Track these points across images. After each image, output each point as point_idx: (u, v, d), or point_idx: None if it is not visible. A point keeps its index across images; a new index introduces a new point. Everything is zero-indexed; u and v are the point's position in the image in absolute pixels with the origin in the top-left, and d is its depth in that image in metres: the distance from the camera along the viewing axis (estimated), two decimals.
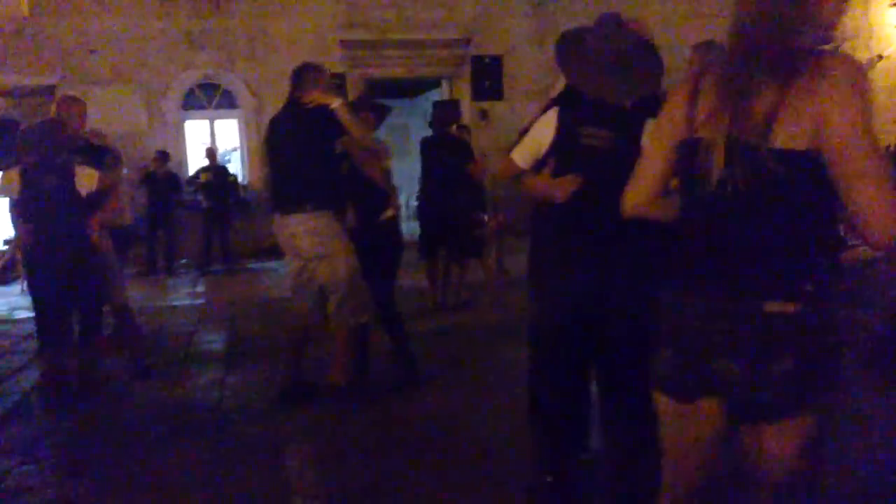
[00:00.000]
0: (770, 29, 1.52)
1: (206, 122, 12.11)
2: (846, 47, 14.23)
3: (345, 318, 4.06)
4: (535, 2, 12.61)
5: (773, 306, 1.51)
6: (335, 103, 3.91)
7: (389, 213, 4.36)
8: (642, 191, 1.78)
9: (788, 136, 1.46)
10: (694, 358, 1.62)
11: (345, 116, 3.89)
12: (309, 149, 4.02)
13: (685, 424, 1.70)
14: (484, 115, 12.44)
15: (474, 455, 3.42)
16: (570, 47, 2.65)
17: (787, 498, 1.64)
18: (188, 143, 12.02)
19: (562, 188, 2.57)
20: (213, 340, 6.26)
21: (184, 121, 11.89)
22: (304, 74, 4.13)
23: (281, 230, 4.12)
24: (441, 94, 12.99)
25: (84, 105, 4.91)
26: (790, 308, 1.50)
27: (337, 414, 4.01)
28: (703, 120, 1.57)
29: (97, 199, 4.50)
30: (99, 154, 5.02)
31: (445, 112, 6.98)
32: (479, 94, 12.61)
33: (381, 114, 4.55)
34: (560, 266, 2.70)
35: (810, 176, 1.47)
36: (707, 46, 2.99)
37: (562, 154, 2.62)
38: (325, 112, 3.90)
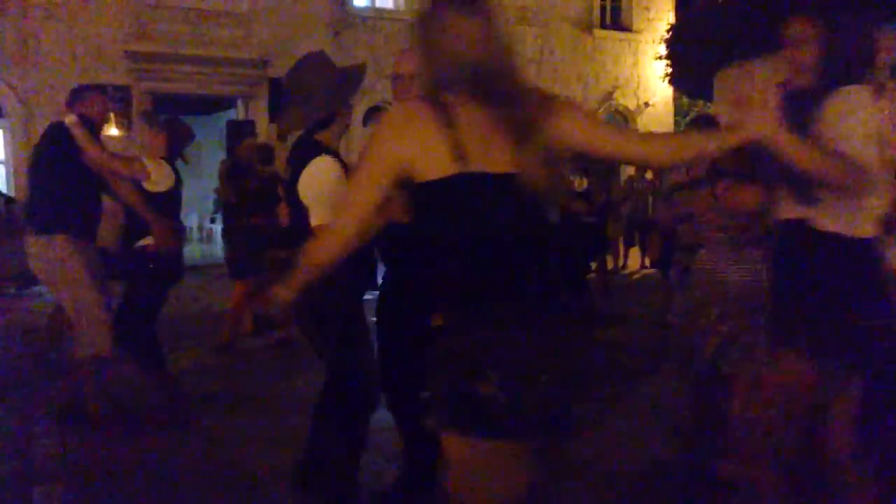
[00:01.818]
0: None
1: None
2: (616, 94, 15.85)
3: (82, 348, 3.76)
4: (332, 30, 12.73)
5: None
6: (69, 118, 3.65)
7: (147, 240, 3.98)
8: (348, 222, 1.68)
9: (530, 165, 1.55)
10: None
11: (78, 133, 3.62)
12: (41, 166, 3.75)
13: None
14: (282, 136, 12.27)
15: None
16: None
17: None
18: None
19: None
20: None
21: None
22: (74, 94, 3.85)
23: None
24: (237, 113, 12.68)
25: None
26: None
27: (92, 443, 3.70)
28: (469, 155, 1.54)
29: None
30: None
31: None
32: (276, 115, 12.45)
33: (180, 133, 4.15)
34: None
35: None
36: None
37: None
38: (59, 128, 3.64)
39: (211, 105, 13.82)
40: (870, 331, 1.98)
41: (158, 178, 3.86)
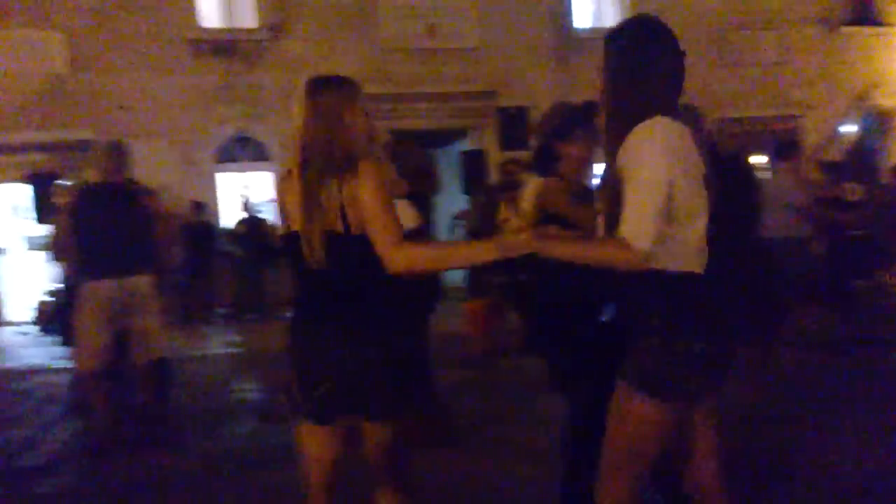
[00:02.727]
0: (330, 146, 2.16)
1: (239, 174, 12.34)
2: (873, 94, 14.38)
3: None
4: (556, 55, 12.88)
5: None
6: None
7: None
8: None
9: (355, 223, 2.12)
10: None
11: None
12: None
13: None
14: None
15: None
16: None
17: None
18: (221, 196, 12.22)
19: None
20: (249, 389, 6.30)
21: (216, 174, 12.13)
22: None
23: None
24: (467, 143, 13.20)
25: None
26: None
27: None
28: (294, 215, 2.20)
29: None
30: None
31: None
32: (507, 143, 12.79)
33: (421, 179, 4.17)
34: None
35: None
36: None
37: None
38: None
39: (442, 138, 14.51)
40: (697, 359, 1.96)
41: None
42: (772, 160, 7.41)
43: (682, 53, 2.05)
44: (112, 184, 4.57)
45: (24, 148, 11.19)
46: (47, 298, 10.67)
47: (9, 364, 8.02)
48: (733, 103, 13.05)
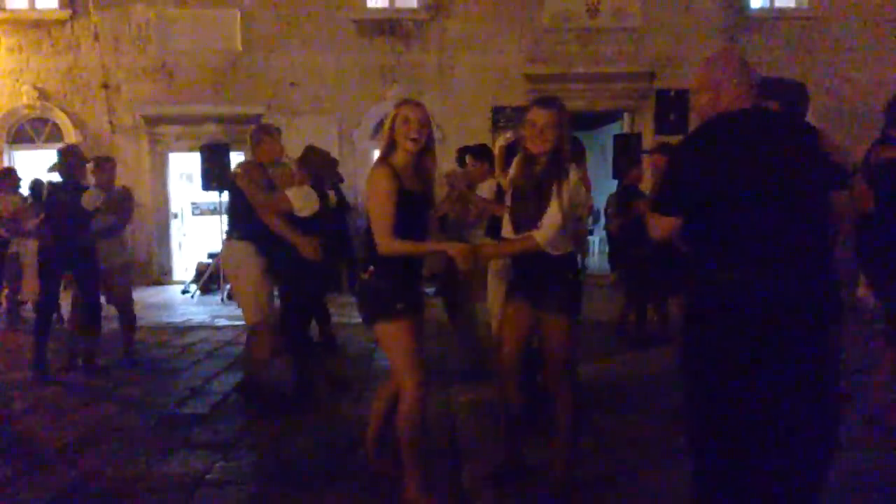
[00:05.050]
0: None
1: None
2: None
3: None
4: (727, 35, 12.20)
5: None
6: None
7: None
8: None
9: None
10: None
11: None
12: None
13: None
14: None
15: None
16: None
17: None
18: None
19: None
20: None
21: (371, 150, 12.51)
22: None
23: None
24: (622, 127, 12.82)
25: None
26: None
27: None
28: None
29: None
30: None
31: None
32: (662, 127, 12.28)
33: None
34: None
35: None
36: None
37: None
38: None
39: (594, 120, 14.17)
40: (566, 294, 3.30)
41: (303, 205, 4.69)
42: None
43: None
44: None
45: (199, 120, 12.07)
46: (207, 261, 11.51)
47: (175, 320, 8.71)
48: None
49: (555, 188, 3.16)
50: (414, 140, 3.08)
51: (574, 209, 3.24)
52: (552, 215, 3.15)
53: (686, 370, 2.35)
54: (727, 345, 2.19)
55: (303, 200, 4.71)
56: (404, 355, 3.16)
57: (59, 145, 11.59)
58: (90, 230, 5.85)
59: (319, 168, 5.07)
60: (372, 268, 3.15)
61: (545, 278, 3.28)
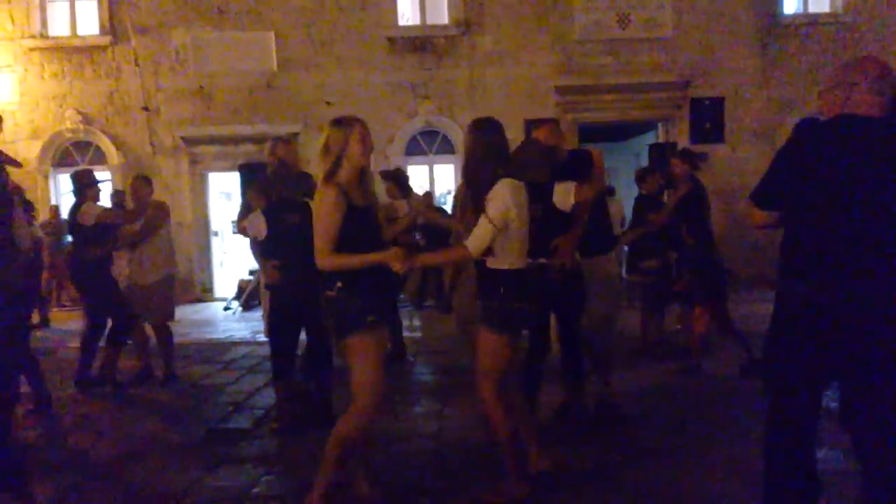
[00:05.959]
0: None
1: (426, 167, 12.76)
2: None
3: None
4: (760, 42, 12.12)
5: None
6: None
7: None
8: None
9: None
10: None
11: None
12: None
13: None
14: (704, 157, 12.03)
15: None
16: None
17: None
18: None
19: None
20: (429, 372, 6.52)
21: (406, 165, 12.61)
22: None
23: None
24: (657, 136, 12.78)
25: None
26: None
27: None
28: None
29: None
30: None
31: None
32: (698, 136, 12.22)
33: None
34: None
35: None
36: None
37: None
38: None
39: (626, 130, 14.13)
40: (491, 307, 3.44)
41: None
42: None
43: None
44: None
45: (236, 140, 12.31)
46: (248, 278, 11.69)
47: (217, 336, 8.86)
48: None
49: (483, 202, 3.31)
50: (367, 157, 3.33)
51: (507, 220, 3.31)
52: (479, 225, 3.28)
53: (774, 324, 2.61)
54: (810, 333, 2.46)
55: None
56: (372, 370, 3.23)
57: (103, 168, 11.97)
58: (85, 246, 6.08)
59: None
60: (340, 283, 3.22)
61: (479, 289, 3.50)
